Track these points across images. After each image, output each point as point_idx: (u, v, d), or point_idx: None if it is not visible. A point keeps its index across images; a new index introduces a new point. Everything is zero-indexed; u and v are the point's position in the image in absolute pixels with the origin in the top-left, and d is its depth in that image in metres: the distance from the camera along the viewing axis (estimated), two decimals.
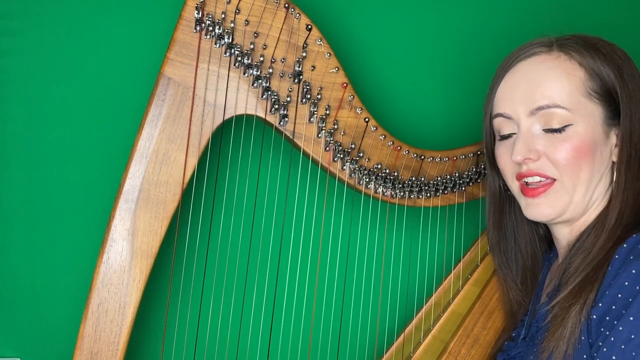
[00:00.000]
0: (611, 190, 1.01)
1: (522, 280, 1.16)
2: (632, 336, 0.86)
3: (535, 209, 1.02)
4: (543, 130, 1.00)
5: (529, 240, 1.16)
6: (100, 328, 1.03)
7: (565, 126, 0.99)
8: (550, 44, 1.03)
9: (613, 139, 1.01)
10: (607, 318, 0.89)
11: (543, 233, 1.17)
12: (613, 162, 1.01)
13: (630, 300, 0.87)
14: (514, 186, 1.06)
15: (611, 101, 1.00)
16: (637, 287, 0.87)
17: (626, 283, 0.88)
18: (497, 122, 1.06)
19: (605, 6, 1.54)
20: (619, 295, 0.88)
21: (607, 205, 1.01)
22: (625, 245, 0.92)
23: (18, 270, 1.19)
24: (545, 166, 1.00)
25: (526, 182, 1.03)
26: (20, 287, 1.19)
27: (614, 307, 0.88)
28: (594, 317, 0.90)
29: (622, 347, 0.86)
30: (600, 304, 0.90)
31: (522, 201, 1.05)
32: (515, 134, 1.03)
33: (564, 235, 1.07)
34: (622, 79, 0.99)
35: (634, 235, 0.93)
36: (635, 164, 0.99)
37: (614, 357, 0.87)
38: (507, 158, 1.05)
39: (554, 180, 1.00)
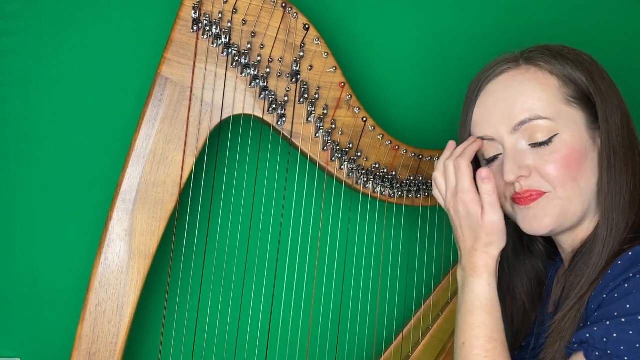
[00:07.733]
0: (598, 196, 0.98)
1: (528, 299, 1.12)
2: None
3: (535, 221, 0.98)
4: (529, 145, 0.97)
5: (532, 264, 1.13)
6: (98, 329, 1.03)
7: (552, 137, 0.96)
8: (516, 59, 1.01)
9: (599, 143, 0.98)
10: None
11: (542, 248, 1.13)
12: None
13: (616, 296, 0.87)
14: (508, 205, 1.01)
15: (590, 104, 0.98)
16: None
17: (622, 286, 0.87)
18: None
19: (602, 9, 1.54)
20: (604, 297, 0.88)
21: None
22: (630, 254, 0.89)
23: (17, 270, 1.19)
24: (537, 183, 0.97)
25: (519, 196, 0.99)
26: (20, 287, 1.19)
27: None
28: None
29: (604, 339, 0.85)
30: (592, 306, 0.90)
31: (519, 215, 1.00)
32: (500, 154, 1.01)
33: (568, 244, 1.03)
34: (594, 81, 0.97)
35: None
36: (615, 165, 0.96)
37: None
38: (497, 181, 1.00)
39: (545, 192, 0.97)
